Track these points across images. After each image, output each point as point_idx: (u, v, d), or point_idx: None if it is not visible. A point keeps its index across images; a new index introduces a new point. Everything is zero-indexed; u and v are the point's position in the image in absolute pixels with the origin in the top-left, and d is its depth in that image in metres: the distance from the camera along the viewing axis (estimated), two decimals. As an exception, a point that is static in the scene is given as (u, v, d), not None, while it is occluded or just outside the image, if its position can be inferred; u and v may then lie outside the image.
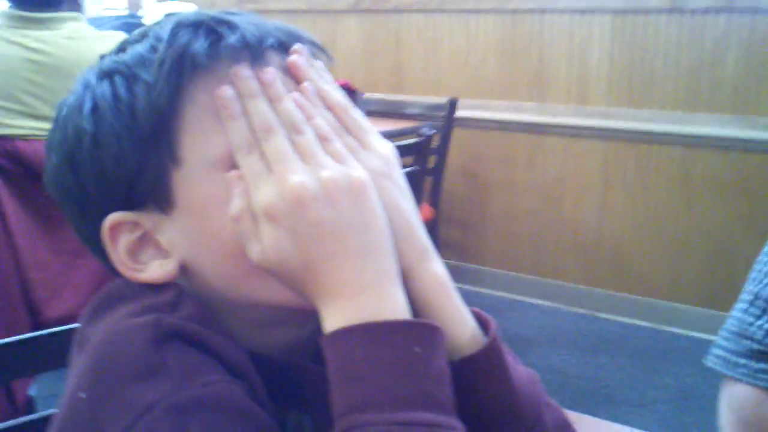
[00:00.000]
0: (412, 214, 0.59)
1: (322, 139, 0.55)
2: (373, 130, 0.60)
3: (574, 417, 0.70)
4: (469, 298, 0.59)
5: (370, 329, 0.51)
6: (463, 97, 3.34)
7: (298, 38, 0.61)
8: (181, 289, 0.58)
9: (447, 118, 3.18)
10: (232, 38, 0.57)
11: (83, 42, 1.83)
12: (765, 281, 0.96)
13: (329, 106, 0.58)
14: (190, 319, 0.55)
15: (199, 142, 0.57)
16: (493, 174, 3.54)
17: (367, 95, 3.54)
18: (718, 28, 2.91)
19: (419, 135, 2.63)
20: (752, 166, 2.93)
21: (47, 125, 1.77)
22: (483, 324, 0.60)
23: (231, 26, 0.58)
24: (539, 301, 3.43)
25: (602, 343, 3.05)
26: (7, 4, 1.87)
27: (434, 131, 2.80)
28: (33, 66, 1.79)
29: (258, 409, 0.51)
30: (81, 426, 0.51)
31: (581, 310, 3.33)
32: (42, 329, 0.94)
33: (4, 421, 0.94)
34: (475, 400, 0.58)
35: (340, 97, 0.59)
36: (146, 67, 0.57)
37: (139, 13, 3.45)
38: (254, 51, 0.58)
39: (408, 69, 3.72)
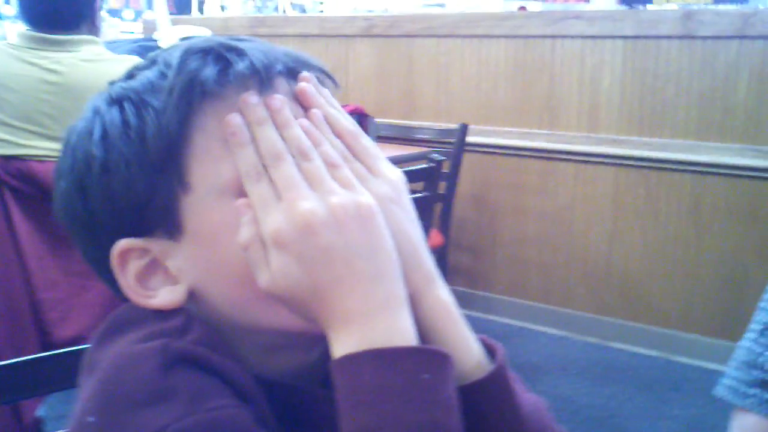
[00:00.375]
0: (419, 240, 0.59)
1: (330, 166, 0.56)
2: (381, 156, 0.60)
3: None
4: (478, 325, 0.60)
5: (379, 355, 0.51)
6: (474, 123, 3.35)
7: (307, 65, 0.62)
8: (190, 314, 0.58)
9: (458, 144, 3.19)
10: (240, 65, 0.58)
11: (100, 64, 1.84)
12: None
13: (338, 133, 0.59)
14: (198, 343, 0.55)
15: (208, 169, 0.57)
16: (503, 200, 3.54)
17: (379, 120, 3.56)
18: (730, 55, 2.92)
19: (430, 160, 2.64)
20: (764, 195, 2.92)
21: (60, 146, 1.78)
22: (489, 350, 0.61)
23: (239, 53, 0.58)
24: (549, 329, 3.41)
25: (612, 372, 3.02)
26: (24, 26, 1.90)
27: (444, 157, 2.81)
28: (49, 87, 1.80)
29: None
30: None
31: (591, 339, 3.30)
32: (52, 350, 0.95)
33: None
34: (482, 427, 0.58)
35: (348, 123, 0.60)
36: (155, 93, 0.58)
37: (155, 36, 3.49)
38: (263, 78, 0.58)
39: (419, 94, 3.74)
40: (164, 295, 0.59)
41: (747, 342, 0.97)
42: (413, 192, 0.62)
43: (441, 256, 3.05)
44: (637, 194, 3.17)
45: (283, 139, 0.56)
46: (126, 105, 0.58)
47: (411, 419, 0.49)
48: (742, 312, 2.69)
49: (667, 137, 3.08)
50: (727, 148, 2.95)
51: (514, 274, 3.55)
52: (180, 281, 0.59)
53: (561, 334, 3.37)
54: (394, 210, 0.57)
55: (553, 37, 3.31)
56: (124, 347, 0.56)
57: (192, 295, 0.59)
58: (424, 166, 2.62)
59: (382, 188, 0.57)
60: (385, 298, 0.53)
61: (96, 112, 0.60)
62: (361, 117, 3.37)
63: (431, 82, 3.69)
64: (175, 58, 0.59)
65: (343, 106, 0.62)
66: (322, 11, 10.37)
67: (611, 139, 3.20)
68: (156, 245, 0.59)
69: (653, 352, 3.16)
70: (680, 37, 3.01)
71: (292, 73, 0.60)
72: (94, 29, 1.94)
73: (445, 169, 2.97)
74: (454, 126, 3.27)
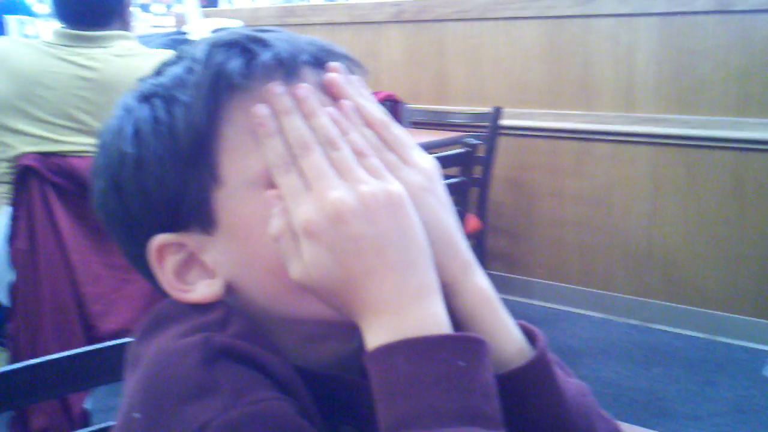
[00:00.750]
0: (454, 228, 0.59)
1: (359, 155, 0.55)
2: (413, 144, 0.60)
3: (627, 429, 0.69)
4: (517, 310, 0.59)
5: (413, 345, 0.50)
6: (508, 106, 3.32)
7: (333, 53, 0.61)
8: (229, 307, 0.59)
9: (492, 128, 3.17)
10: (265, 56, 0.58)
11: (133, 59, 1.86)
12: None
13: (368, 123, 0.58)
14: (238, 336, 0.55)
15: (238, 162, 0.57)
16: (539, 183, 3.51)
17: (411, 106, 3.55)
18: (768, 28, 2.85)
19: (464, 145, 2.62)
20: (808, 170, 2.86)
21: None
22: (530, 336, 0.60)
23: (264, 44, 0.58)
24: (590, 312, 3.38)
25: (655, 355, 2.99)
26: (58, 24, 1.92)
27: (479, 141, 2.79)
28: (85, 83, 1.82)
29: (308, 426, 0.52)
30: None
31: (633, 321, 3.27)
32: (97, 343, 0.96)
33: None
34: (525, 414, 0.57)
35: (379, 112, 0.59)
36: (184, 88, 0.58)
37: (185, 29, 3.51)
38: (288, 68, 0.58)
39: (451, 78, 3.72)
40: (202, 289, 0.59)
41: None
42: (448, 177, 0.62)
43: (478, 241, 3.04)
44: (676, 173, 3.13)
45: (311, 128, 0.56)
46: (155, 101, 0.59)
47: (448, 407, 0.49)
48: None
49: (705, 114, 3.03)
50: (768, 123, 2.89)
51: (553, 257, 3.52)
52: (217, 275, 0.59)
53: (602, 316, 3.34)
54: (428, 198, 0.57)
55: (585, 16, 3.26)
56: (166, 342, 0.56)
57: (229, 288, 0.59)
58: (459, 150, 2.61)
59: (415, 177, 0.57)
60: (417, 287, 0.53)
61: (127, 109, 0.61)
62: (393, 104, 3.37)
63: (463, 65, 3.66)
64: (201, 53, 0.59)
65: (375, 93, 0.62)
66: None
67: (648, 118, 3.15)
68: (191, 240, 0.59)
69: (697, 333, 3.12)
70: (716, 12, 2.94)
71: (318, 62, 0.60)
72: (125, 24, 1.95)
73: (480, 153, 2.96)
74: (487, 109, 3.25)
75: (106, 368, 0.94)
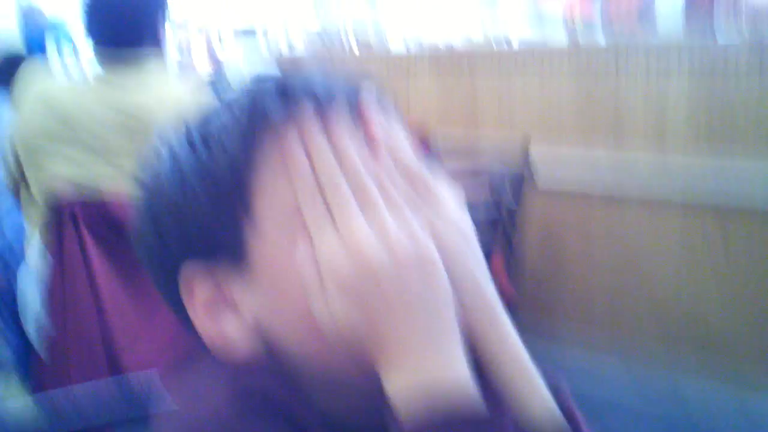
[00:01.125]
0: (483, 280, 0.59)
1: (386, 196, 0.56)
2: (448, 196, 0.60)
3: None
4: (544, 356, 0.59)
5: (433, 392, 0.51)
6: (537, 138, 3.29)
7: (368, 90, 0.63)
8: (258, 350, 0.59)
9: (521, 160, 3.15)
10: (303, 97, 0.59)
11: (171, 101, 1.89)
12: None
13: (400, 163, 0.59)
14: (266, 381, 0.56)
15: (270, 199, 0.58)
16: (569, 240, 3.45)
17: (441, 136, 3.54)
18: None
19: (492, 176, 2.61)
20: None
21: (132, 178, 1.81)
22: (554, 388, 0.60)
23: (301, 83, 0.60)
24: (618, 375, 3.27)
25: (686, 422, 2.89)
26: (91, 48, 1.94)
27: (508, 173, 2.77)
28: (120, 120, 1.86)
29: None
30: None
31: (663, 386, 3.15)
32: (120, 375, 0.96)
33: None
34: None
35: (409, 151, 0.61)
36: (224, 128, 0.59)
37: (222, 71, 3.58)
38: (324, 108, 0.59)
39: (481, 110, 3.71)
40: (229, 325, 0.60)
41: None
42: (476, 222, 0.62)
43: (505, 286, 3.01)
44: (707, 234, 3.03)
45: (342, 167, 0.57)
46: (196, 140, 0.60)
47: None
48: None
49: (741, 171, 2.95)
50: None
51: (582, 303, 3.46)
52: (244, 311, 0.60)
53: (630, 379, 3.24)
54: (458, 249, 0.58)
55: (617, 71, 3.22)
56: (194, 386, 0.57)
57: (257, 326, 0.60)
58: (487, 182, 2.59)
59: (446, 227, 0.58)
60: (439, 336, 0.53)
61: (166, 146, 0.62)
62: (422, 133, 3.37)
63: (493, 97, 3.63)
64: (242, 95, 0.60)
65: (405, 123, 0.63)
66: (386, 47, 10.45)
67: (681, 170, 3.08)
68: (222, 274, 0.60)
69: (729, 396, 3.00)
70: (750, 68, 2.88)
71: (353, 102, 0.61)
72: (159, 42, 1.96)
73: (508, 184, 2.93)
74: (516, 141, 3.21)
75: (129, 402, 0.94)
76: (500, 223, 2.62)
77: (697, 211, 3.08)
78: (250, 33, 9.14)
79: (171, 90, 1.93)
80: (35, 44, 4.44)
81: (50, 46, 4.26)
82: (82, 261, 1.82)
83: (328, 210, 0.55)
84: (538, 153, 3.24)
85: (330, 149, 0.57)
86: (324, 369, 0.59)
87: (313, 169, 0.57)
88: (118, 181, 1.85)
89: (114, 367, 1.83)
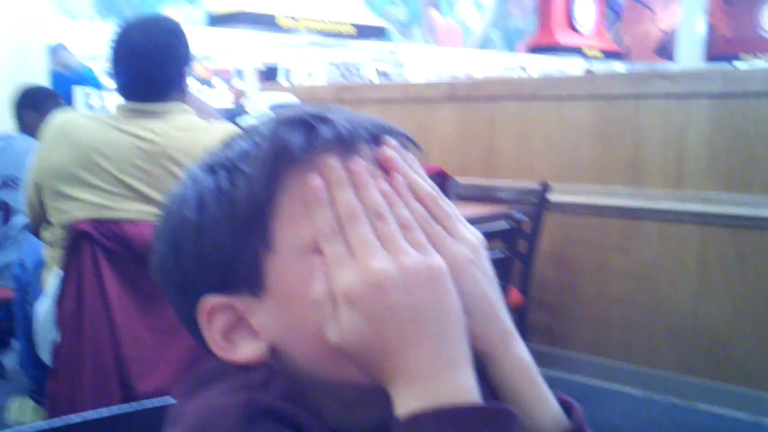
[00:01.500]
0: (497, 300, 0.60)
1: (405, 228, 0.57)
2: (461, 218, 0.61)
3: None
4: (557, 385, 0.60)
5: (443, 414, 0.51)
6: (556, 182, 3.33)
7: (390, 131, 0.64)
8: (272, 368, 0.60)
9: (539, 203, 3.17)
10: (326, 132, 0.60)
11: (190, 132, 1.92)
12: None
13: (419, 197, 0.60)
14: (279, 397, 0.57)
15: (290, 230, 0.59)
16: (585, 258, 3.48)
17: (460, 180, 3.57)
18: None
19: (510, 219, 2.62)
20: None
21: (152, 208, 1.84)
22: (567, 408, 0.61)
23: (326, 121, 0.61)
24: (631, 390, 3.30)
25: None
26: (121, 97, 2.00)
27: (525, 216, 2.79)
28: (142, 153, 1.88)
29: None
30: None
31: (676, 400, 3.18)
32: (134, 399, 0.97)
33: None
34: None
35: (429, 188, 0.61)
36: (247, 160, 0.60)
37: (244, 104, 3.62)
38: (347, 143, 0.60)
39: (501, 154, 3.74)
40: (246, 350, 0.61)
41: None
42: (493, 251, 0.63)
43: (520, 314, 3.02)
44: (724, 253, 3.07)
45: (360, 200, 0.58)
46: (219, 171, 0.61)
47: None
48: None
49: (756, 194, 2.98)
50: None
51: (596, 332, 3.46)
52: (262, 337, 0.61)
53: (643, 394, 3.26)
54: (473, 270, 0.58)
55: (636, 97, 3.28)
56: (208, 400, 0.58)
57: (273, 351, 0.60)
58: (505, 225, 2.61)
59: (461, 249, 0.58)
60: (450, 358, 0.54)
61: (192, 177, 0.63)
62: (441, 177, 3.40)
63: (512, 141, 3.69)
64: (266, 127, 0.62)
65: (424, 166, 0.64)
66: (403, 75, 10.55)
67: (698, 196, 3.12)
68: (241, 302, 0.61)
69: (742, 415, 3.01)
70: (768, 94, 2.93)
71: (375, 139, 0.62)
72: (182, 94, 2.02)
73: (526, 228, 2.95)
74: (535, 185, 3.26)
75: (142, 428, 0.94)
76: (514, 235, 2.61)
77: (711, 229, 3.08)
78: (270, 67, 9.26)
79: (191, 120, 1.97)
80: (62, 89, 4.54)
81: (77, 95, 4.35)
82: (99, 287, 1.84)
83: (347, 242, 0.56)
84: (555, 175, 3.26)
85: (349, 182, 0.58)
86: (337, 389, 0.60)
87: (332, 201, 0.58)
88: (137, 208, 1.87)
89: (128, 390, 1.84)
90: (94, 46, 7.19)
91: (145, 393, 1.80)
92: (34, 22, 4.66)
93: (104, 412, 0.93)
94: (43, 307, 1.97)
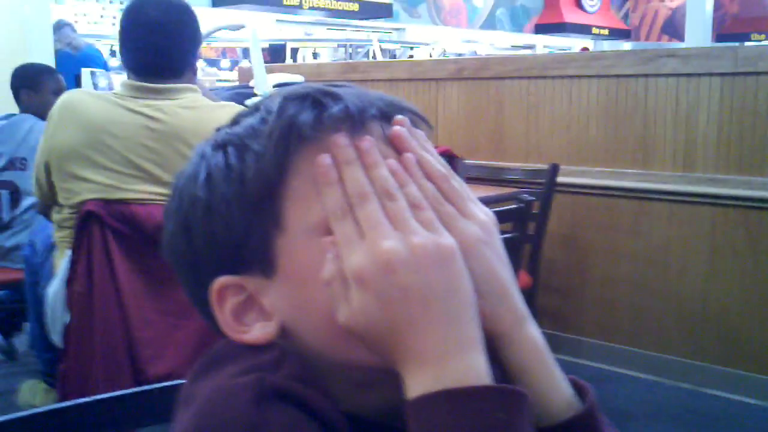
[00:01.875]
0: (509, 281, 0.59)
1: (414, 207, 0.56)
2: (472, 197, 0.61)
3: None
4: (566, 369, 0.59)
5: (454, 395, 0.51)
6: (565, 163, 3.31)
7: (400, 108, 0.63)
8: (283, 349, 0.60)
9: (548, 184, 3.16)
10: (335, 109, 0.59)
11: (198, 111, 1.91)
12: None
13: (429, 175, 0.59)
14: (291, 378, 0.57)
15: (300, 209, 0.59)
16: (594, 241, 3.47)
17: (468, 161, 3.56)
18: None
19: (519, 201, 2.62)
20: None
21: (162, 189, 1.84)
22: (580, 391, 0.60)
23: (335, 98, 0.60)
24: (640, 374, 3.30)
25: (708, 421, 2.89)
26: (126, 75, 1.99)
27: (534, 198, 2.78)
28: (151, 133, 1.87)
29: None
30: None
31: (685, 385, 3.18)
32: (145, 380, 0.97)
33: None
34: None
35: (440, 166, 0.60)
36: (256, 138, 0.60)
37: (250, 83, 3.60)
38: (356, 121, 0.60)
39: (509, 135, 3.73)
40: (258, 331, 0.61)
41: None
42: (502, 233, 0.62)
43: (529, 297, 3.01)
44: (735, 235, 3.06)
45: (370, 179, 0.57)
46: (229, 149, 0.61)
47: None
48: None
49: (767, 176, 2.96)
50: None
51: (605, 316, 3.46)
52: (273, 318, 0.61)
53: (653, 379, 3.26)
54: (484, 250, 0.58)
55: (646, 76, 3.25)
56: (220, 381, 0.58)
57: (284, 331, 0.60)
58: (514, 206, 2.61)
59: (473, 229, 0.58)
60: (460, 339, 0.53)
61: (202, 156, 0.63)
62: (450, 159, 3.39)
63: (521, 122, 3.68)
64: (275, 105, 0.61)
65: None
66: (411, 56, 10.51)
67: (708, 178, 3.10)
68: (251, 282, 0.61)
69: (752, 400, 3.01)
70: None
71: (385, 116, 0.61)
72: (193, 76, 2.02)
73: (535, 209, 2.94)
74: (544, 166, 3.24)
75: (152, 410, 0.95)
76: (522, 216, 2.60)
77: (722, 211, 3.07)
78: (276, 46, 9.22)
79: (199, 99, 1.96)
80: (67, 69, 4.52)
81: (84, 76, 4.33)
82: (109, 269, 1.84)
83: (356, 222, 0.56)
84: (564, 156, 3.25)
85: (359, 161, 0.58)
86: (348, 370, 0.60)
87: (342, 181, 0.57)
88: (147, 189, 1.87)
89: (139, 372, 1.84)
90: (99, 26, 7.18)
91: (156, 375, 1.81)
92: (38, 1, 4.64)
93: (115, 393, 0.94)
94: (54, 289, 1.97)
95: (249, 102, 3.11)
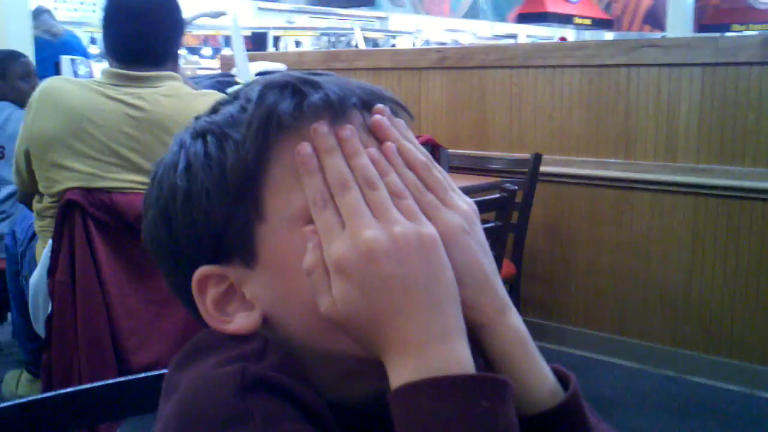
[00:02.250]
0: (491, 270, 0.59)
1: (396, 196, 0.56)
2: (454, 187, 0.61)
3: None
4: (551, 357, 0.59)
5: (437, 384, 0.51)
6: (548, 153, 3.32)
7: (381, 97, 0.63)
8: (266, 339, 0.60)
9: (531, 174, 3.17)
10: (315, 98, 0.59)
11: (180, 99, 1.90)
12: None
13: (411, 165, 0.59)
14: (274, 368, 0.57)
15: (281, 199, 0.58)
16: (577, 230, 3.48)
17: (451, 150, 3.56)
18: (814, 81, 2.82)
19: (502, 190, 2.62)
20: None
21: (143, 178, 1.84)
22: (563, 379, 0.60)
23: (315, 86, 0.60)
24: (624, 362, 3.33)
25: (691, 407, 2.92)
26: (108, 63, 1.97)
27: (517, 187, 2.79)
28: (132, 121, 1.86)
29: None
30: None
31: (669, 372, 3.21)
32: (128, 376, 0.97)
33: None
34: None
35: (421, 155, 0.60)
36: (236, 126, 0.60)
37: (232, 72, 3.59)
38: (337, 110, 0.59)
39: (492, 124, 3.73)
40: (240, 321, 0.60)
41: None
42: (485, 222, 0.62)
43: (513, 286, 3.03)
44: (717, 224, 3.08)
45: (351, 168, 0.57)
46: (208, 137, 0.61)
47: None
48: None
49: (748, 165, 2.99)
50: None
51: (588, 304, 3.48)
52: (255, 307, 0.60)
53: (637, 366, 3.29)
54: (466, 240, 0.58)
55: (628, 65, 3.26)
56: (203, 371, 0.57)
57: (267, 321, 0.60)
58: (497, 196, 2.61)
59: (454, 218, 0.58)
60: (442, 328, 0.53)
61: (181, 145, 0.63)
62: (433, 148, 3.39)
63: (503, 112, 3.68)
64: (254, 93, 0.61)
65: (416, 137, 0.63)
66: (394, 45, 10.47)
67: (690, 167, 3.12)
68: (233, 272, 0.61)
69: (734, 387, 3.04)
70: (761, 64, 2.93)
71: (366, 105, 0.61)
72: (175, 65, 2.00)
73: (518, 199, 2.95)
74: (526, 156, 3.25)
75: (136, 400, 0.94)
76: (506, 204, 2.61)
77: (704, 201, 3.10)
78: (258, 34, 9.17)
79: (180, 87, 1.95)
80: (46, 56, 4.46)
81: (64, 64, 4.28)
82: (91, 259, 1.83)
83: (337, 211, 0.56)
84: (546, 146, 3.26)
85: (340, 149, 0.57)
86: (331, 360, 0.60)
87: (322, 169, 0.57)
88: (128, 178, 1.86)
89: (123, 362, 1.84)
90: (79, 12, 7.10)
91: (140, 365, 1.80)
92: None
93: (99, 383, 0.94)
94: (35, 279, 1.96)
95: (230, 90, 3.09)
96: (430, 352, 0.52)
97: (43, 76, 3.12)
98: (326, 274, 0.55)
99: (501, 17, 12.92)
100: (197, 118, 0.65)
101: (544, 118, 3.54)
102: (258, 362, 0.57)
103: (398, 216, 0.55)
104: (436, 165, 0.61)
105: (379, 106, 0.61)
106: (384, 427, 0.59)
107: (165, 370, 0.63)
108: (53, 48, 4.98)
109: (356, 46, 9.47)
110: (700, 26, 13.04)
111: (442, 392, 0.50)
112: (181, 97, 1.90)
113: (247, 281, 0.60)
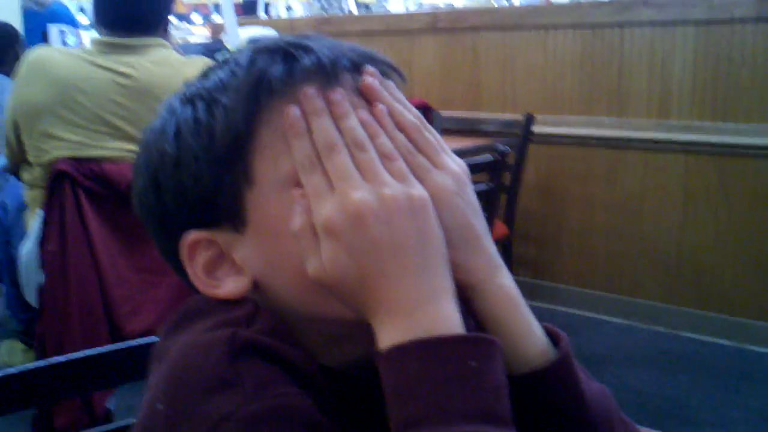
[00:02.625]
0: (482, 231, 0.59)
1: (386, 158, 0.56)
2: (445, 148, 0.60)
3: (648, 435, 0.68)
4: (544, 316, 0.59)
5: (424, 345, 0.51)
6: (540, 113, 3.31)
7: (372, 59, 0.62)
8: (256, 304, 0.60)
9: (523, 135, 3.16)
10: (306, 61, 0.58)
11: (169, 67, 1.88)
12: None
13: (402, 127, 0.59)
14: (264, 333, 0.56)
15: (270, 163, 0.58)
16: (570, 190, 3.49)
17: (444, 113, 3.55)
18: (808, 36, 2.81)
19: (495, 152, 2.62)
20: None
21: (133, 146, 1.83)
22: (554, 338, 0.60)
23: (306, 50, 0.59)
24: (616, 319, 3.36)
25: (682, 362, 2.95)
26: (97, 32, 1.95)
27: (510, 148, 2.79)
28: (121, 89, 1.85)
29: (327, 422, 0.52)
30: None
31: (660, 328, 3.24)
32: (121, 343, 0.97)
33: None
34: (546, 413, 0.58)
35: (412, 117, 0.60)
36: (226, 91, 0.59)
37: (222, 38, 3.55)
38: (328, 73, 0.59)
39: (484, 86, 3.71)
40: (230, 285, 0.60)
41: None
42: (478, 183, 0.62)
43: (506, 247, 3.04)
44: (709, 181, 3.09)
45: (340, 130, 0.56)
46: (198, 103, 0.60)
47: (458, 407, 0.49)
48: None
49: (741, 122, 2.99)
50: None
51: (581, 263, 3.50)
52: (245, 272, 0.60)
53: (628, 323, 3.32)
54: (457, 201, 0.57)
55: (621, 25, 3.24)
56: (193, 336, 0.57)
57: (257, 286, 0.60)
58: (490, 157, 2.60)
59: (445, 180, 0.57)
60: (431, 289, 0.53)
61: (170, 110, 0.62)
62: (425, 111, 3.38)
63: (496, 73, 3.66)
64: (244, 58, 0.60)
65: (408, 100, 0.62)
66: (386, 8, 10.36)
67: (682, 125, 3.12)
68: (222, 237, 0.60)
69: (724, 341, 3.08)
70: (755, 20, 2.91)
71: (357, 68, 0.60)
72: (166, 33, 1.98)
73: (511, 160, 2.95)
74: (519, 117, 3.24)
75: (129, 367, 0.95)
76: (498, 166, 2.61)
77: (696, 158, 3.10)
78: (249, 0, 9.06)
79: (169, 54, 1.93)
80: (35, 27, 4.41)
81: (52, 33, 4.23)
82: (81, 228, 1.82)
83: (326, 174, 0.55)
84: (539, 106, 3.25)
85: (328, 112, 0.57)
86: (321, 323, 0.60)
87: (311, 130, 0.56)
88: (118, 146, 1.85)
89: (116, 330, 1.84)
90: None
91: (132, 332, 1.81)
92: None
93: (91, 351, 0.94)
94: (26, 249, 1.96)
95: (219, 56, 3.07)
96: (418, 313, 0.52)
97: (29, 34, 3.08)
98: (315, 237, 0.54)
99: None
100: (187, 83, 0.64)
101: (537, 79, 3.52)
102: (248, 327, 0.57)
103: (388, 178, 0.54)
104: (428, 126, 0.60)
105: (370, 68, 0.61)
106: (375, 391, 0.59)
107: (156, 328, 0.63)
108: (41, 18, 4.92)
109: (349, 12, 9.39)
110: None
111: (430, 353, 0.50)
112: (170, 64, 1.89)
113: (236, 246, 0.60)
